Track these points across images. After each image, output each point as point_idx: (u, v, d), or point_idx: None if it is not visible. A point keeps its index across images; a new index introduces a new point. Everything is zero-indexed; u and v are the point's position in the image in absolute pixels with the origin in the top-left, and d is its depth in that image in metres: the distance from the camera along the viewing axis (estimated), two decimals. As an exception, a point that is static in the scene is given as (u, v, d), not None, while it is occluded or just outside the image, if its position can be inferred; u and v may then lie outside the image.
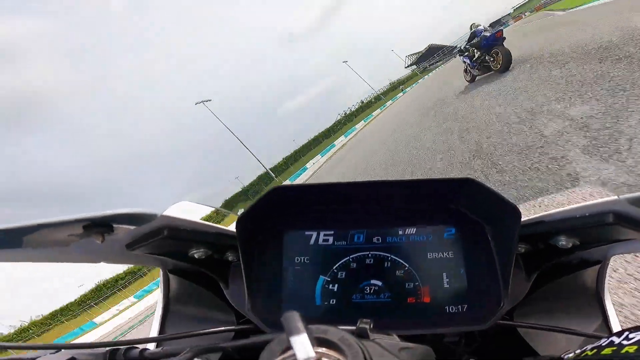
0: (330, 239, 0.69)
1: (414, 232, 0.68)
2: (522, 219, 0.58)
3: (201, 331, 0.63)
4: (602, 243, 0.57)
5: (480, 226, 0.67)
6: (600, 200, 0.51)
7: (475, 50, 9.17)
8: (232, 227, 0.62)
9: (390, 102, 57.26)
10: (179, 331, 0.62)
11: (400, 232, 0.68)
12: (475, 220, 0.67)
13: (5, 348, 0.54)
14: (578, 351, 0.42)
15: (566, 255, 0.59)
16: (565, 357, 0.44)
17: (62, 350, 0.50)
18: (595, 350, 0.39)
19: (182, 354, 0.45)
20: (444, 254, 0.67)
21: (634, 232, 0.50)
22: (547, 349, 0.61)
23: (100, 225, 0.49)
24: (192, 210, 0.73)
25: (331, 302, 0.66)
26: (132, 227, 0.52)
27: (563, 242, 0.57)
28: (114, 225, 0.50)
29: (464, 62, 9.96)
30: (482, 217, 0.66)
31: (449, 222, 0.68)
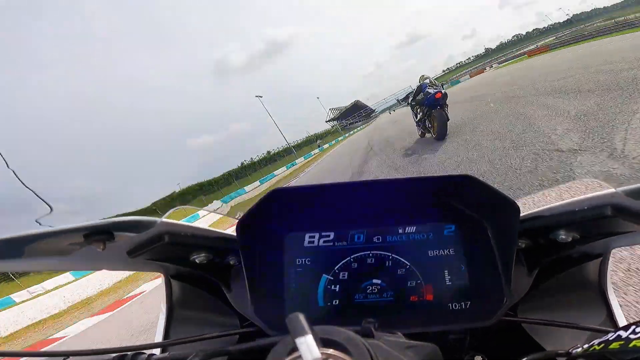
0: (331, 240, 0.69)
1: (413, 230, 0.68)
2: (521, 214, 0.58)
3: (206, 335, 0.62)
4: (602, 236, 0.57)
5: (479, 222, 0.67)
6: (598, 193, 0.51)
7: (418, 109, 8.21)
8: (232, 231, 0.62)
9: (301, 159, 49.32)
10: (183, 336, 0.62)
11: (400, 231, 0.69)
12: (474, 216, 0.67)
13: (9, 355, 0.54)
14: (585, 346, 0.42)
15: (567, 249, 0.59)
16: (573, 352, 0.44)
17: (70, 357, 0.51)
18: (602, 345, 0.39)
19: (190, 358, 0.45)
20: (445, 252, 0.67)
21: (633, 224, 0.50)
22: (553, 343, 0.61)
23: (101, 233, 0.49)
24: (191, 215, 0.73)
25: (334, 302, 0.66)
26: (132, 234, 0.52)
27: (563, 236, 0.57)
28: (115, 233, 0.50)
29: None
30: (482, 213, 0.66)
31: (449, 220, 0.68)
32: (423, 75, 8.51)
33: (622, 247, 0.63)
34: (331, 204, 0.68)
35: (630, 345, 0.36)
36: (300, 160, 49.54)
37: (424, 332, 0.60)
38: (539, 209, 0.60)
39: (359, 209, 0.69)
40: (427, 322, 0.61)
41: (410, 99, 8.53)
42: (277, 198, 0.62)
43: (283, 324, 0.32)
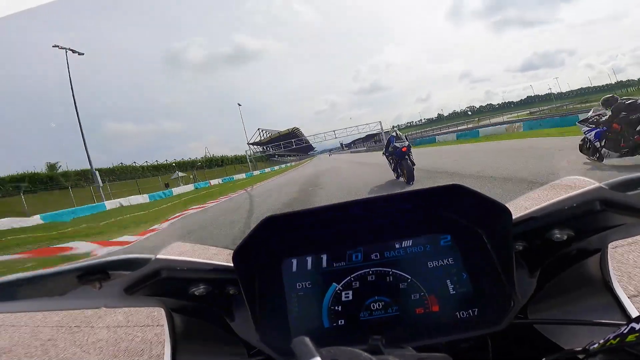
0: (329, 262, 0.68)
1: (410, 244, 0.69)
2: (513, 217, 0.59)
3: None
4: (596, 231, 0.58)
5: (474, 229, 0.67)
6: (584, 189, 0.53)
7: (391, 159, 9.36)
8: (229, 262, 0.62)
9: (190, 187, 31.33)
10: None
11: (397, 246, 0.69)
12: (467, 224, 0.68)
13: None
14: (601, 341, 0.42)
15: (564, 247, 0.60)
16: (591, 348, 0.44)
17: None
18: (618, 339, 0.39)
19: None
20: (444, 261, 0.67)
21: (624, 216, 0.52)
22: (568, 341, 0.61)
23: (95, 273, 0.49)
24: (185, 251, 0.72)
25: (340, 322, 0.64)
26: (128, 272, 0.52)
27: (558, 235, 0.58)
28: (109, 272, 0.50)
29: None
30: (475, 220, 0.67)
31: (443, 230, 0.69)
32: (394, 126, 9.95)
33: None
34: (325, 226, 0.69)
35: None
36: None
37: (435, 343, 0.59)
38: (529, 210, 0.61)
39: (354, 228, 0.69)
40: (436, 333, 0.61)
41: (383, 151, 9.85)
42: (271, 225, 0.62)
43: (290, 349, 0.32)
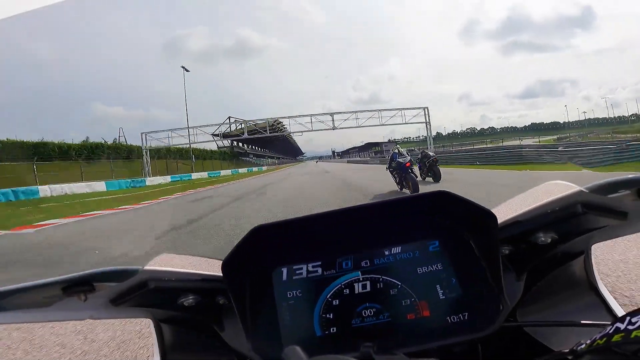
0: (319, 270, 0.68)
1: (399, 250, 0.69)
2: (499, 222, 0.61)
3: None
4: (579, 234, 0.60)
5: (461, 235, 0.69)
6: (566, 193, 0.55)
7: (395, 173, 10.30)
8: (218, 272, 0.61)
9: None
10: None
11: (387, 253, 0.69)
12: (455, 230, 0.69)
13: None
14: (589, 341, 0.43)
15: (549, 250, 0.62)
16: (578, 349, 0.45)
17: None
18: (605, 339, 0.40)
19: None
20: (433, 267, 0.68)
21: (605, 218, 0.54)
22: (557, 342, 0.62)
23: (80, 285, 0.49)
24: (174, 261, 0.72)
25: (332, 330, 0.64)
26: (114, 284, 0.52)
27: (542, 238, 0.60)
28: (95, 284, 0.50)
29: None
30: (462, 226, 0.69)
31: (432, 236, 0.70)
32: (396, 144, 11.39)
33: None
34: (315, 235, 0.69)
35: (632, 336, 0.37)
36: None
37: (427, 349, 0.59)
38: (514, 215, 0.63)
39: (343, 236, 0.70)
40: (427, 338, 0.61)
41: (387, 166, 10.83)
42: (260, 235, 0.62)
43: (282, 358, 0.33)
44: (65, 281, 0.48)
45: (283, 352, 0.33)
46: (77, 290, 0.49)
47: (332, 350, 0.38)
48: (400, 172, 9.86)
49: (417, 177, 9.64)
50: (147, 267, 0.57)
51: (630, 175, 0.50)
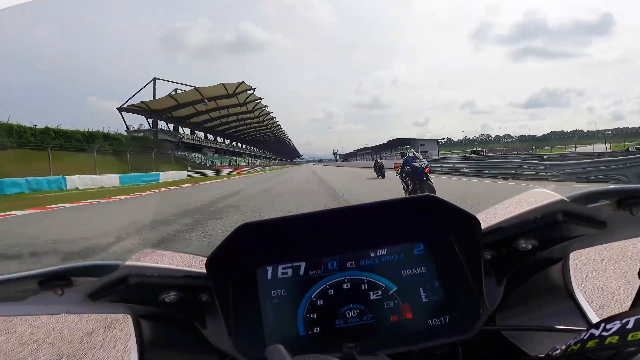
0: (304, 269, 0.68)
1: (385, 252, 0.70)
2: (483, 228, 0.62)
3: None
4: (559, 241, 0.62)
5: (446, 239, 0.70)
6: (548, 202, 0.57)
7: (408, 180, 9.12)
8: (202, 269, 0.60)
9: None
10: None
11: (372, 254, 0.70)
12: (440, 234, 0.70)
13: None
14: (564, 347, 0.44)
15: (529, 256, 0.64)
16: (553, 354, 0.46)
17: None
18: (579, 345, 0.41)
19: None
20: (418, 270, 0.68)
21: (585, 227, 0.56)
22: (534, 347, 0.64)
23: (57, 279, 0.48)
24: (157, 258, 0.70)
25: (315, 330, 0.64)
26: (93, 279, 0.51)
27: (523, 244, 0.62)
28: (72, 278, 0.48)
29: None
30: (446, 230, 0.70)
31: (417, 239, 0.71)
32: (410, 148, 10.10)
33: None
34: (301, 234, 0.69)
35: (606, 342, 0.38)
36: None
37: (408, 351, 0.60)
38: (497, 221, 0.64)
39: (330, 236, 0.70)
40: (409, 340, 0.62)
41: (399, 171, 9.69)
42: (246, 233, 0.62)
43: (264, 357, 0.33)
44: (42, 275, 0.47)
45: (266, 350, 0.33)
46: (55, 285, 0.48)
47: (315, 350, 0.38)
48: (415, 178, 8.68)
49: (433, 186, 8.49)
50: (128, 263, 0.56)
51: (610, 187, 0.52)
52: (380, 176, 21.04)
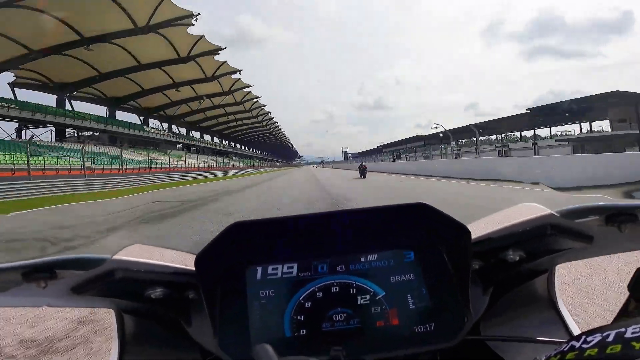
0: (294, 271, 0.68)
1: (375, 258, 0.70)
2: (472, 237, 0.63)
3: None
4: (546, 254, 0.64)
5: (436, 247, 0.71)
6: (537, 215, 0.58)
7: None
8: (191, 266, 0.60)
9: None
10: None
11: (363, 259, 0.70)
12: (431, 242, 0.71)
13: None
14: (544, 358, 0.44)
15: (516, 267, 0.65)
16: None
17: None
18: (559, 356, 0.41)
19: None
20: (406, 277, 0.69)
21: (571, 241, 0.58)
22: (515, 358, 0.64)
23: (41, 272, 0.47)
24: (145, 253, 0.70)
25: (301, 332, 0.64)
26: (78, 272, 0.50)
27: (511, 255, 0.63)
28: (57, 271, 0.48)
29: None
30: (437, 238, 0.70)
31: (408, 246, 0.71)
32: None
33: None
34: (293, 236, 0.69)
35: (585, 354, 0.38)
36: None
37: (393, 356, 0.60)
38: (487, 231, 0.66)
39: (321, 239, 0.70)
40: (395, 346, 0.62)
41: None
42: (237, 232, 0.62)
43: (249, 356, 0.32)
44: (27, 266, 0.46)
45: (254, 349, 0.32)
46: (38, 277, 0.47)
47: (301, 352, 0.38)
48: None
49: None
50: (115, 257, 0.55)
51: (600, 203, 0.53)
52: (362, 177, 23.53)
